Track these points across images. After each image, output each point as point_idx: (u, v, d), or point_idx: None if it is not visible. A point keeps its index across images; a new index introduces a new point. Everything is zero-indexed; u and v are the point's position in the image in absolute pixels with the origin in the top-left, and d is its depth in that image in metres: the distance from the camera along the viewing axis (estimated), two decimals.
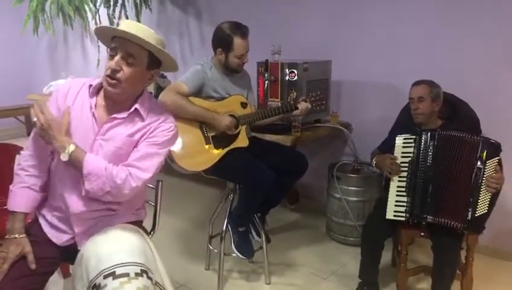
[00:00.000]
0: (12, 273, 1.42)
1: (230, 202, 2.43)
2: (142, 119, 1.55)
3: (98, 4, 4.21)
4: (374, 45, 3.04)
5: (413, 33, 2.86)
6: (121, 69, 1.46)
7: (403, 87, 2.87)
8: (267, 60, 2.77)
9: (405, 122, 2.36)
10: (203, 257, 2.60)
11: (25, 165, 1.54)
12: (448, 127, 2.15)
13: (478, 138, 2.02)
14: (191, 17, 4.12)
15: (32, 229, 1.55)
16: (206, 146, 2.27)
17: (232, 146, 2.31)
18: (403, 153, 2.18)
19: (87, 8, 4.55)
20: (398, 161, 2.15)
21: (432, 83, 2.20)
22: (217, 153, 2.28)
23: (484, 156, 1.98)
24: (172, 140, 1.59)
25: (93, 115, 1.51)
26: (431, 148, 2.08)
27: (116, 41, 1.47)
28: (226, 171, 2.29)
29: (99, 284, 1.30)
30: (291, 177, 2.44)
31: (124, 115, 1.53)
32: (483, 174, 1.97)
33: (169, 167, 2.23)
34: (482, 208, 1.97)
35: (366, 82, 3.11)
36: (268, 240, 2.52)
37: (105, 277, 1.31)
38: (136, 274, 1.33)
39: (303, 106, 2.42)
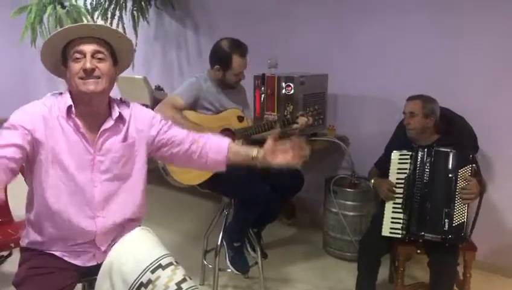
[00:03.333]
0: None
1: (225, 217, 2.41)
2: (124, 121, 1.53)
3: (95, 16, 4.22)
4: (370, 59, 3.05)
5: (410, 47, 2.86)
6: (96, 66, 1.41)
7: (399, 101, 2.86)
8: (263, 74, 2.77)
9: (401, 137, 2.36)
10: (198, 271, 2.56)
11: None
12: (444, 142, 2.15)
13: (449, 149, 2.05)
14: (188, 29, 4.14)
15: (42, 261, 1.45)
16: None
17: None
18: (398, 169, 2.17)
19: (85, 20, 4.57)
20: (393, 182, 2.15)
21: (426, 99, 2.18)
22: None
23: (456, 167, 2.02)
24: None
25: (83, 135, 1.45)
26: (428, 165, 2.07)
27: (77, 44, 1.41)
28: (221, 185, 2.26)
29: (149, 280, 1.37)
30: (287, 193, 2.43)
31: (111, 123, 1.49)
32: (456, 184, 2.00)
33: (164, 179, 2.21)
34: (458, 217, 1.98)
35: (363, 96, 3.11)
36: (264, 256, 2.49)
37: (153, 271, 1.39)
38: (176, 262, 1.46)
39: (302, 120, 2.40)
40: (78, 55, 1.41)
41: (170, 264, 1.42)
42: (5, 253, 2.52)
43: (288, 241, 3.17)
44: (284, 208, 2.50)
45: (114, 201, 1.50)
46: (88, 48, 1.41)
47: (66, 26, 1.43)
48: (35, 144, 1.39)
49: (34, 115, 1.41)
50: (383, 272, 2.48)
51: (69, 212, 1.43)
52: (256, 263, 2.41)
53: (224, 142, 1.63)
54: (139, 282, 1.37)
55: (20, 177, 2.12)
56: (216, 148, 1.61)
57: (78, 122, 1.44)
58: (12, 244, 2.27)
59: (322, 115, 2.49)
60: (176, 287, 1.38)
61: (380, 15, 2.96)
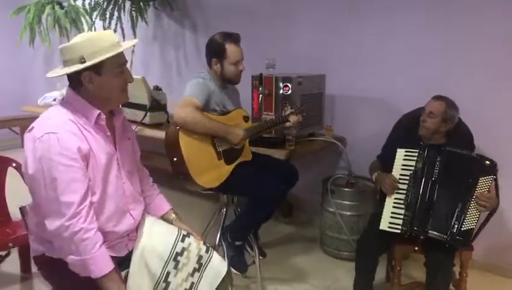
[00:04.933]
0: None
1: (223, 216, 2.42)
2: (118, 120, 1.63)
3: (94, 17, 4.23)
4: (368, 59, 3.06)
5: (408, 48, 2.88)
6: None
7: (397, 101, 2.90)
8: (261, 74, 2.78)
9: (404, 136, 2.35)
10: None
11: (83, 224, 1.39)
12: (450, 144, 2.15)
13: (475, 154, 2.03)
14: (186, 30, 4.15)
15: None
16: (219, 161, 2.24)
17: (240, 160, 2.31)
18: (403, 165, 2.17)
19: (83, 20, 4.58)
20: (397, 176, 2.15)
21: (451, 104, 2.17)
22: (228, 168, 2.26)
23: (478, 172, 1.99)
24: None
25: (109, 137, 1.55)
26: (437, 163, 2.08)
27: (119, 59, 1.49)
28: (235, 185, 2.26)
29: (183, 248, 1.59)
30: (286, 188, 2.43)
31: (120, 121, 1.62)
32: (475, 189, 1.98)
33: (160, 177, 2.20)
34: (469, 223, 1.98)
35: (361, 96, 3.13)
36: (263, 255, 2.51)
37: (182, 240, 1.61)
38: (188, 232, 1.68)
39: (294, 118, 2.42)
40: (120, 69, 1.50)
41: (188, 234, 1.65)
42: (3, 253, 2.53)
43: (285, 240, 3.18)
44: (280, 206, 2.51)
45: (134, 194, 1.64)
46: (125, 62, 1.52)
47: (120, 50, 1.47)
48: (86, 162, 1.45)
49: (69, 138, 1.41)
50: (380, 272, 2.49)
51: (111, 213, 1.52)
52: (254, 262, 2.42)
53: (166, 207, 1.82)
54: (175, 253, 1.57)
55: (18, 177, 2.14)
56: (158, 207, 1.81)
57: (105, 127, 1.53)
58: (10, 244, 2.28)
59: (305, 112, 2.51)
60: (205, 247, 1.66)
61: (378, 16, 2.98)
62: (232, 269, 2.30)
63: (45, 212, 1.40)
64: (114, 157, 1.54)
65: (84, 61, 1.43)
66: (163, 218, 1.77)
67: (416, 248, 2.14)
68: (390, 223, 2.10)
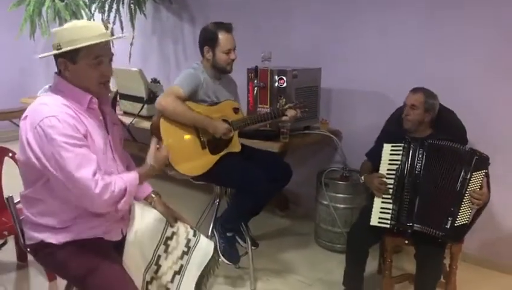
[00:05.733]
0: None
1: (216, 207, 2.44)
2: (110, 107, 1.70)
3: (93, 10, 4.24)
4: (364, 53, 3.06)
5: (403, 41, 2.88)
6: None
7: (392, 95, 2.90)
8: (256, 66, 2.79)
9: (394, 130, 2.37)
10: None
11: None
12: (436, 136, 2.17)
13: (467, 148, 2.03)
14: (185, 23, 4.16)
15: (95, 247, 1.54)
16: (202, 151, 2.28)
17: (226, 150, 2.33)
18: (390, 160, 2.18)
19: (83, 13, 4.59)
20: (385, 173, 2.16)
21: (429, 94, 2.20)
22: (213, 158, 2.29)
23: (471, 168, 1.98)
24: None
25: (101, 121, 1.58)
26: (420, 157, 2.09)
27: (97, 50, 1.47)
28: (221, 175, 2.30)
29: (172, 232, 1.70)
30: (274, 185, 2.44)
31: (109, 107, 1.68)
32: (468, 185, 1.98)
33: None
34: (462, 219, 1.98)
35: (356, 90, 3.13)
36: (255, 245, 2.53)
37: (171, 226, 1.70)
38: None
39: (291, 113, 2.44)
40: (97, 61, 1.48)
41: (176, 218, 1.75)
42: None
43: (280, 233, 3.20)
44: (269, 201, 2.53)
45: None
46: (107, 56, 1.51)
47: (97, 41, 1.45)
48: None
49: (68, 119, 1.43)
50: (373, 264, 2.52)
51: None
52: (247, 253, 2.45)
53: (149, 189, 1.81)
54: (165, 237, 1.67)
55: (13, 166, 2.17)
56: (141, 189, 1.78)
57: (98, 111, 1.56)
58: (6, 232, 2.31)
59: (307, 108, 2.52)
60: (192, 231, 1.76)
61: (374, 10, 2.97)
62: (225, 260, 2.33)
63: (66, 195, 1.44)
64: (107, 141, 1.58)
65: (60, 48, 1.44)
66: (146, 199, 1.79)
67: (406, 242, 2.15)
68: (380, 218, 2.11)
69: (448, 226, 1.97)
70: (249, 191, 2.26)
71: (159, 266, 1.64)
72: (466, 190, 1.98)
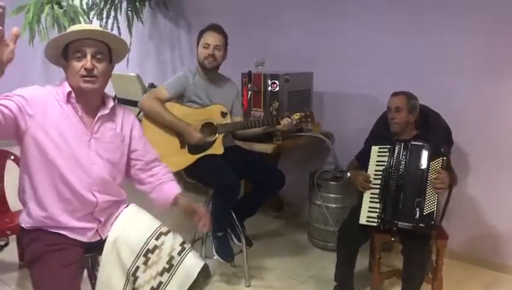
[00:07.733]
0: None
1: (211, 208, 2.52)
2: (117, 115, 1.71)
3: (91, 16, 4.33)
4: (354, 56, 3.15)
5: (393, 44, 2.97)
6: (94, 66, 1.55)
7: (383, 97, 2.96)
8: (250, 71, 2.89)
9: (381, 132, 2.47)
10: None
11: None
12: (421, 137, 2.27)
13: (422, 143, 2.18)
14: (181, 29, 4.25)
15: (49, 240, 1.56)
16: (181, 150, 2.41)
17: (207, 152, 2.42)
18: (377, 161, 2.29)
19: (81, 20, 4.67)
20: (372, 174, 2.26)
21: (409, 95, 2.31)
22: (191, 157, 2.40)
23: (427, 158, 2.14)
24: None
25: (81, 118, 1.60)
26: (403, 157, 2.20)
27: (79, 45, 1.55)
28: (198, 174, 2.41)
29: (155, 245, 1.61)
30: (266, 190, 2.53)
31: (106, 111, 1.66)
32: (428, 174, 2.12)
33: None
34: (429, 207, 2.10)
35: (348, 93, 3.22)
36: (249, 244, 2.60)
37: (157, 238, 1.63)
38: (169, 229, 1.69)
39: (285, 122, 2.44)
40: (79, 54, 1.56)
41: (169, 231, 1.67)
42: (2, 242, 2.64)
43: (274, 233, 3.28)
44: (262, 204, 2.61)
45: (107, 181, 1.65)
46: (90, 50, 1.56)
47: (74, 30, 1.55)
48: (27, 116, 1.50)
49: (36, 93, 1.55)
50: (363, 262, 2.60)
51: (72, 180, 1.56)
52: (241, 251, 2.53)
53: (174, 191, 1.81)
54: (146, 249, 1.60)
55: (16, 169, 2.24)
56: (166, 194, 1.81)
57: (77, 106, 1.59)
58: (8, 232, 2.38)
59: (310, 118, 2.51)
60: (180, 247, 1.64)
61: (365, 14, 3.07)
62: (219, 258, 2.41)
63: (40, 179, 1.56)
64: (84, 138, 1.59)
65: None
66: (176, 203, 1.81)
67: (393, 239, 2.24)
68: (368, 217, 2.21)
69: (417, 217, 2.10)
70: (224, 193, 2.34)
71: (136, 278, 1.58)
72: (427, 179, 2.12)
